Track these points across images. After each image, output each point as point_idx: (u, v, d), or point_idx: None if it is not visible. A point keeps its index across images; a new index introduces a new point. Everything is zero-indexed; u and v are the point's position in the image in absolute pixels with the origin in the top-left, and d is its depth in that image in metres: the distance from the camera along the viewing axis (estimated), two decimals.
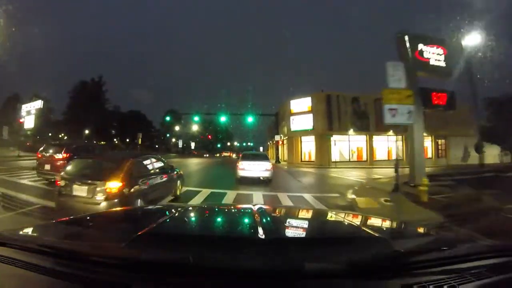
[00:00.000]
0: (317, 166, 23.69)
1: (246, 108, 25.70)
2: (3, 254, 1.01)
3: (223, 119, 25.86)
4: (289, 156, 27.53)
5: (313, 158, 25.96)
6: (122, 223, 1.63)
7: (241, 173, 10.36)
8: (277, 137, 26.57)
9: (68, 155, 8.63)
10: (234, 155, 76.27)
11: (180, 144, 37.95)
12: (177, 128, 55.58)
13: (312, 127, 25.35)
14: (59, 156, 8.76)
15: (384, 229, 1.66)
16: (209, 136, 71.62)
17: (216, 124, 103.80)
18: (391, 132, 28.12)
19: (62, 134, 69.21)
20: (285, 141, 29.05)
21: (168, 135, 66.82)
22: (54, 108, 57.08)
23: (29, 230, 1.30)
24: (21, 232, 1.24)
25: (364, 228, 1.54)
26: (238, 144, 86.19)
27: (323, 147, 24.91)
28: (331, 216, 1.97)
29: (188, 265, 0.84)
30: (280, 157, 27.25)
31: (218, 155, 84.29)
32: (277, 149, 27.14)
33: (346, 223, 1.72)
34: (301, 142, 26.59)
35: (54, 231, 1.32)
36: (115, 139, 67.93)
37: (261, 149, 60.91)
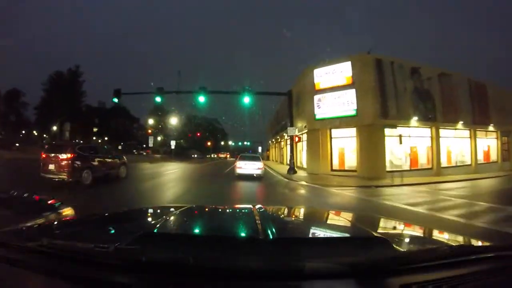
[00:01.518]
0: (365, 178, 13.46)
1: (243, 92, 14.95)
2: (3, 254, 1.01)
3: (201, 99, 15.55)
4: (310, 161, 17.06)
5: (352, 164, 15.62)
6: (122, 223, 1.61)
7: (239, 170, 13.18)
8: (290, 131, 16.12)
9: (73, 155, 8.59)
10: (226, 156, 67.45)
11: (151, 142, 27.52)
12: (150, 121, 45.24)
13: (355, 111, 14.95)
14: (63, 156, 8.54)
15: (384, 229, 1.64)
16: (198, 134, 61.90)
17: (210, 122, 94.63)
18: (460, 125, 18.37)
19: (35, 132, 62.31)
20: (303, 137, 18.54)
21: (149, 132, 57.62)
22: (27, 103, 53.89)
23: (29, 230, 1.30)
24: (21, 232, 1.23)
25: (364, 228, 1.51)
26: (233, 144, 75.92)
27: (373, 146, 14.63)
28: (331, 216, 1.99)
29: (188, 266, 0.85)
30: (295, 163, 16.66)
31: (212, 156, 74.42)
32: (292, 150, 16.53)
33: (346, 223, 1.72)
34: (331, 138, 16.14)
35: (54, 231, 1.31)
36: (94, 137, 61.40)
37: (259, 149, 52.33)
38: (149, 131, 57.73)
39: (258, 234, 1.17)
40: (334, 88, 15.57)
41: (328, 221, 1.79)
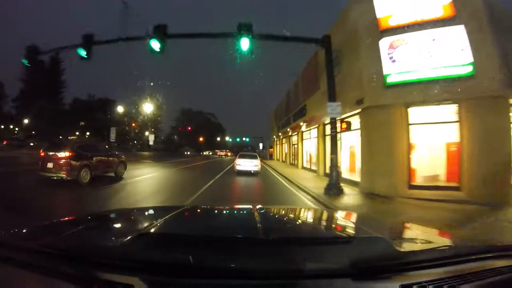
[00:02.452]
0: (482, 203, 6.23)
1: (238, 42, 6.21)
2: (3, 254, 1.01)
3: (156, 46, 7.87)
4: (369, 170, 9.17)
5: (437, 172, 8.08)
6: (122, 223, 1.62)
7: (238, 167, 13.94)
8: (332, 110, 8.29)
9: (71, 154, 8.67)
10: (226, 154, 59.73)
11: (113, 135, 19.82)
12: (120, 109, 37.45)
13: (472, 66, 7.20)
14: (62, 154, 8.63)
15: (384, 229, 1.63)
16: (189, 128, 54.59)
17: (206, 117, 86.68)
18: None
19: (13, 127, 57.82)
20: (354, 122, 10.48)
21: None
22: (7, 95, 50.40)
23: (29, 230, 1.31)
24: (21, 232, 1.24)
25: (364, 228, 1.53)
26: (230, 140, 68.32)
27: (493, 140, 7.09)
28: (331, 216, 2.05)
29: (188, 265, 0.84)
30: (322, 169, 8.64)
31: (207, 153, 66.82)
32: (333, 148, 8.58)
33: (346, 223, 1.70)
34: (407, 122, 8.33)
35: (54, 231, 1.31)
36: (77, 132, 55.95)
37: (260, 145, 45.98)
38: (133, 124, 50.34)
39: (259, 234, 1.20)
40: (421, 24, 7.78)
41: (329, 221, 1.79)
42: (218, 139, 74.37)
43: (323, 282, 0.83)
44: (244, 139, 55.70)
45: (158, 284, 0.81)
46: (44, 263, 0.92)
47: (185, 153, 56.59)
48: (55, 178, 8.43)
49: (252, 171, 13.73)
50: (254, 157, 14.57)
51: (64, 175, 8.39)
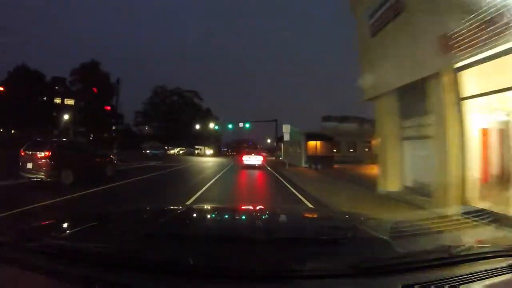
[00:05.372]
0: None
1: None
2: (3, 254, 1.00)
3: None
4: None
5: None
6: (123, 223, 1.60)
7: (245, 162, 18.59)
8: None
9: (50, 153, 8.43)
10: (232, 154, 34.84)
11: None
12: None
13: None
14: (40, 154, 8.39)
15: (384, 229, 1.57)
16: (95, 90, 30.44)
17: (186, 96, 60.90)
18: None
19: None
20: None
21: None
22: None
23: (29, 230, 1.31)
24: (21, 232, 1.23)
25: (364, 228, 1.53)
26: (217, 127, 43.36)
27: None
28: (331, 216, 2.11)
29: (188, 266, 0.85)
30: None
31: (176, 151, 42.48)
32: None
33: (346, 223, 1.70)
34: None
35: (54, 231, 1.29)
36: None
37: (285, 133, 21.53)
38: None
39: (259, 234, 1.20)
40: None
41: (329, 221, 1.79)
42: (198, 127, 48.91)
43: (323, 282, 0.83)
44: (241, 125, 30.62)
45: (157, 284, 0.81)
46: (44, 263, 0.93)
47: (145, 152, 32.63)
48: (35, 179, 8.15)
49: (256, 165, 18.29)
50: (258, 154, 19.60)
51: (43, 176, 8.05)
